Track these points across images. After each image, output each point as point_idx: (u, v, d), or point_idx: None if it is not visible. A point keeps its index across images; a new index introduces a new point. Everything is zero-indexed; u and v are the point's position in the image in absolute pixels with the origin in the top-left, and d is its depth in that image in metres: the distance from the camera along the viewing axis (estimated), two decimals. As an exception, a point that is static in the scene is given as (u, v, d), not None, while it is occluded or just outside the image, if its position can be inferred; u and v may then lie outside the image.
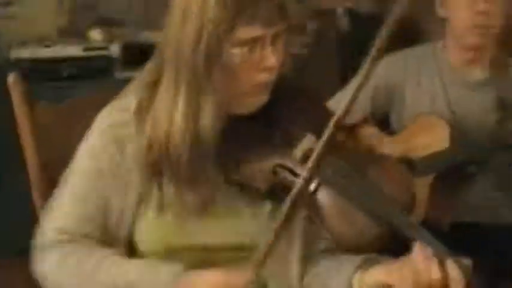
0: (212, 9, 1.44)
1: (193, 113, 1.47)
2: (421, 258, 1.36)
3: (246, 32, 1.44)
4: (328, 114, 1.48)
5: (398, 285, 1.39)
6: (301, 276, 1.60)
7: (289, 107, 1.54)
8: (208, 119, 1.46)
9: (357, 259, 1.52)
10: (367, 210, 1.39)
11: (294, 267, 1.59)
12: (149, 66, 1.59)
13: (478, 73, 2.31)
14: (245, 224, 1.56)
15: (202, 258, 1.53)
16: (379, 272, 1.46)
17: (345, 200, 1.41)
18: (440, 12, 2.31)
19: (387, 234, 1.40)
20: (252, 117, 1.52)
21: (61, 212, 1.56)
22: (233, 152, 1.50)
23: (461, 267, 1.34)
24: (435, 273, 1.35)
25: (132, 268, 1.51)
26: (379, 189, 1.44)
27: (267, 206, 1.54)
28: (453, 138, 2.16)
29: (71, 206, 1.55)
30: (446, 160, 2.13)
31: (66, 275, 1.54)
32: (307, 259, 1.60)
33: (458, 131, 2.19)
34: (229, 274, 1.43)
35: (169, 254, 1.54)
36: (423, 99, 2.31)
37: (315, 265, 1.61)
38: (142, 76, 1.59)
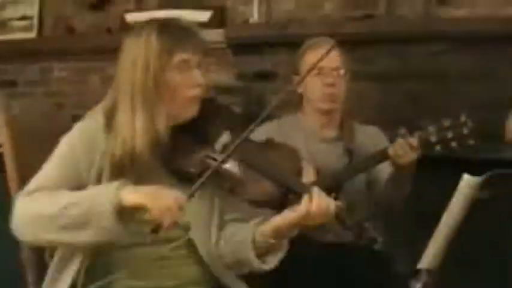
0: (154, 48, 2.14)
1: (150, 122, 2.13)
2: (314, 202, 2.04)
3: (180, 57, 2.13)
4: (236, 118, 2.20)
5: (301, 220, 2.05)
6: (217, 240, 2.23)
7: (210, 115, 2.23)
8: (161, 125, 2.12)
9: (257, 219, 2.19)
10: (269, 177, 2.09)
11: (213, 233, 2.22)
12: (107, 96, 2.25)
13: (330, 132, 3.06)
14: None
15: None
16: (276, 220, 2.12)
17: (253, 171, 2.11)
18: (298, 89, 3.06)
19: (284, 193, 2.10)
20: (185, 125, 2.20)
21: (42, 175, 2.12)
22: (175, 150, 2.17)
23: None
24: (327, 208, 2.03)
25: (82, 191, 2.05)
26: (276, 162, 2.15)
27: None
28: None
29: (50, 171, 2.11)
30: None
31: (32, 203, 2.05)
32: (221, 226, 2.24)
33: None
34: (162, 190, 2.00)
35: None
36: None
37: (225, 230, 2.25)
38: (101, 104, 2.24)
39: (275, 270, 2.23)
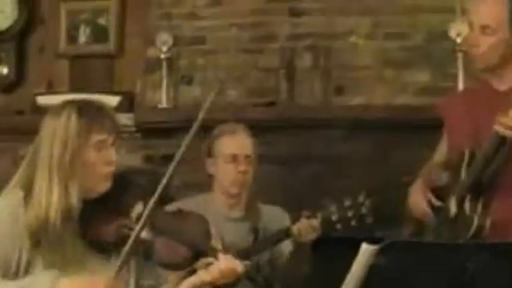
0: (73, 128, 2.29)
1: (65, 196, 2.26)
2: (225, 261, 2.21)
3: (97, 137, 2.29)
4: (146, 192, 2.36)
5: (213, 280, 2.22)
6: None
7: (122, 188, 2.38)
8: (74, 199, 2.26)
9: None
10: (181, 241, 2.25)
11: None
12: (21, 172, 2.37)
13: (237, 212, 3.23)
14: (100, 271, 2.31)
15: None
16: (191, 280, 2.27)
17: (166, 237, 2.26)
18: (210, 170, 3.23)
19: (196, 256, 2.26)
20: (100, 198, 2.34)
21: None
22: (91, 221, 2.30)
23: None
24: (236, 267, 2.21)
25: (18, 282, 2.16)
26: (187, 229, 2.31)
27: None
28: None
29: None
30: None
31: None
32: None
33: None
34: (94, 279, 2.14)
35: None
36: None
37: None
38: (15, 180, 2.36)
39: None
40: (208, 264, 2.28)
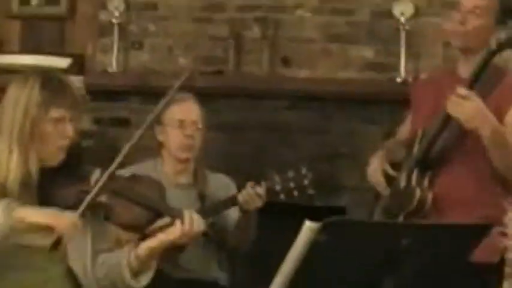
0: (35, 99, 2.36)
1: (24, 162, 2.35)
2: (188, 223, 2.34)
3: (56, 112, 2.37)
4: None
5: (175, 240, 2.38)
6: (92, 265, 2.46)
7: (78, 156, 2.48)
8: (33, 166, 2.36)
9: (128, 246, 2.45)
10: (139, 204, 2.36)
11: (89, 260, 2.45)
12: None
13: (185, 178, 3.34)
14: None
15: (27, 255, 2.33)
16: (152, 241, 2.39)
17: (124, 200, 2.36)
18: (159, 137, 3.33)
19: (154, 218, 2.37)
20: (58, 166, 2.42)
21: None
22: (50, 188, 2.39)
23: None
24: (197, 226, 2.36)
25: None
26: (144, 192, 2.42)
27: None
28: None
29: None
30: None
31: None
32: (95, 254, 2.47)
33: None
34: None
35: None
36: None
37: (99, 256, 2.48)
38: None
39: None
40: (167, 226, 2.39)
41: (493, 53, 2.59)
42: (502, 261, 2.73)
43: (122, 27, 4.39)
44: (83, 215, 2.29)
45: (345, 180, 4.28)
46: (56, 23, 4.57)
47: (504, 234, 2.70)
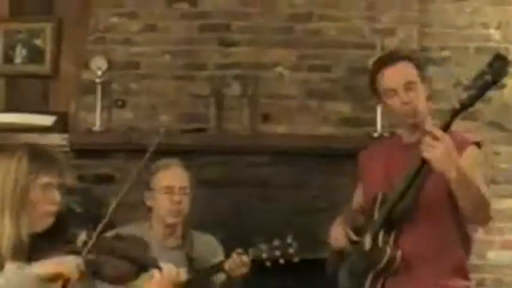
0: (24, 168, 2.55)
1: (16, 228, 2.54)
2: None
3: (44, 179, 2.56)
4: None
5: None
6: None
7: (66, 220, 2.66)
8: (24, 232, 2.54)
9: None
10: (124, 258, 2.54)
11: None
12: None
13: (173, 241, 3.50)
14: None
15: None
16: None
17: (110, 256, 2.55)
18: (148, 202, 3.49)
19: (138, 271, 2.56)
20: (46, 232, 2.59)
21: None
22: (39, 253, 2.56)
23: None
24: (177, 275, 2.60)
25: None
26: (129, 247, 2.60)
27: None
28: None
29: None
30: None
31: None
32: None
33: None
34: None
35: None
36: None
37: None
38: None
39: None
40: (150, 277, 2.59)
41: (457, 113, 2.77)
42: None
43: (105, 86, 4.56)
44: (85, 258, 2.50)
45: (324, 233, 4.46)
46: (40, 81, 4.73)
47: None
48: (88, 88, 4.58)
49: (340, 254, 3.25)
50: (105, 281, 2.66)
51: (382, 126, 4.45)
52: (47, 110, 4.68)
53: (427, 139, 2.76)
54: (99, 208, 4.44)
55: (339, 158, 4.45)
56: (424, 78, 3.09)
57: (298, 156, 4.48)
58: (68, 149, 4.48)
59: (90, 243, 2.52)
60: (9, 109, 4.68)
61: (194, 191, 3.58)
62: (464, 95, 2.72)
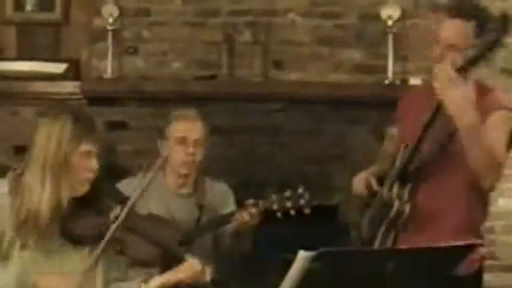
0: (68, 133, 2.60)
1: (56, 193, 2.59)
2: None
3: (85, 147, 2.60)
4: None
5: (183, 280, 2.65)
6: None
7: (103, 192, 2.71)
8: (64, 197, 2.59)
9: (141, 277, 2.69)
10: (152, 242, 2.60)
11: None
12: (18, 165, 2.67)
13: (186, 189, 3.56)
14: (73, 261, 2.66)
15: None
16: (164, 277, 2.63)
17: (139, 237, 2.60)
18: (163, 152, 3.53)
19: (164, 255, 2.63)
20: (82, 199, 2.65)
21: None
22: (73, 219, 2.62)
23: None
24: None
25: None
26: (159, 232, 2.67)
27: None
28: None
29: None
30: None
31: None
32: (106, 282, 2.71)
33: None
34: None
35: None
36: (154, 207, 3.41)
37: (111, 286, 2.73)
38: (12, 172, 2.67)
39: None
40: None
41: (459, 70, 2.78)
42: (480, 270, 2.99)
43: (116, 33, 4.59)
44: (104, 251, 2.55)
45: (336, 181, 4.52)
46: (51, 28, 4.75)
47: (481, 245, 2.96)
48: (99, 35, 4.63)
49: (361, 200, 3.29)
50: (128, 260, 2.75)
51: (394, 73, 4.47)
52: (58, 57, 4.72)
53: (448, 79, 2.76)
54: (112, 155, 4.52)
55: (350, 105, 4.50)
56: None
57: (310, 103, 4.52)
58: (80, 96, 4.53)
59: (120, 220, 2.56)
60: (20, 57, 4.72)
61: (208, 142, 3.61)
62: (470, 53, 2.76)
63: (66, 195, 2.63)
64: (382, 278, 2.12)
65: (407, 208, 3.02)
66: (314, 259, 2.05)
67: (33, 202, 2.60)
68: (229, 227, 3.44)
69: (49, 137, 2.65)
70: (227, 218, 3.39)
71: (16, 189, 2.65)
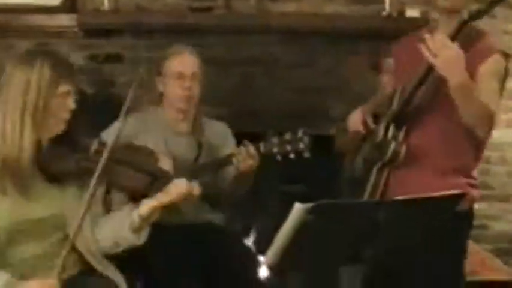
0: (47, 77, 2.64)
1: (36, 137, 2.64)
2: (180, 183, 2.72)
3: (64, 87, 2.66)
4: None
5: (173, 201, 2.74)
6: (92, 228, 2.79)
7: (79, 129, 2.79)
8: (44, 141, 2.65)
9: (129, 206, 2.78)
10: (137, 169, 2.67)
11: (88, 223, 2.78)
12: None
13: (184, 126, 3.64)
14: (56, 200, 2.75)
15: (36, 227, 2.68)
16: (152, 202, 2.72)
17: (124, 166, 2.68)
18: (160, 88, 3.60)
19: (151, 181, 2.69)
20: (59, 136, 2.73)
21: None
22: (52, 157, 2.69)
23: None
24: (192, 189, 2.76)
25: None
26: (142, 159, 2.73)
27: (72, 188, 2.77)
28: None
29: None
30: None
31: None
32: (94, 217, 2.81)
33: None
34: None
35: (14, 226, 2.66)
36: (152, 143, 3.39)
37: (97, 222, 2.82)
38: None
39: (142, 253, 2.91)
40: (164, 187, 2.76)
41: (464, 23, 2.84)
42: (471, 210, 3.09)
43: (113, -36, 4.57)
44: (92, 196, 2.62)
45: (332, 111, 4.59)
46: (46, -41, 4.74)
47: (472, 186, 3.05)
48: (95, -34, 4.62)
49: (355, 136, 3.36)
50: (120, 191, 2.84)
51: (391, 5, 4.49)
52: (54, -11, 4.71)
53: (438, 39, 2.81)
54: (109, 87, 4.58)
55: (347, 37, 4.54)
56: None
57: (306, 35, 4.57)
58: (76, 29, 4.55)
59: (103, 159, 2.64)
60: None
61: (204, 78, 3.67)
62: (474, 7, 2.80)
63: (45, 138, 2.70)
64: (374, 226, 2.22)
65: (403, 150, 3.11)
66: (309, 211, 2.14)
67: (13, 149, 2.64)
68: (229, 173, 3.54)
69: (28, 83, 2.68)
70: (225, 160, 3.48)
71: None
